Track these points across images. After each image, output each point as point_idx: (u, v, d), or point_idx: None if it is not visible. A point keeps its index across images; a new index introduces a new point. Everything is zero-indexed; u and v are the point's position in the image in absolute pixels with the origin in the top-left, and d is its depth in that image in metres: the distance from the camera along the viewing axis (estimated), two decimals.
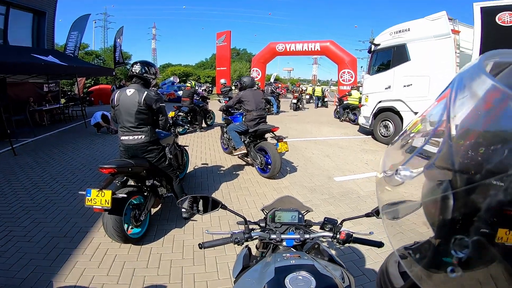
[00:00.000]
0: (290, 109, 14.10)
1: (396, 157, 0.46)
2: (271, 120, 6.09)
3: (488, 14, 5.12)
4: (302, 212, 1.31)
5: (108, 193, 2.34)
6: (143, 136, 2.77)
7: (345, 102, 11.17)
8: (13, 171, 4.88)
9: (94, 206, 2.35)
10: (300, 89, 15.71)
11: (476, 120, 0.32)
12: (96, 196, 2.35)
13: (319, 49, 17.84)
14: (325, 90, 18.62)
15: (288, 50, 18.49)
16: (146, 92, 2.70)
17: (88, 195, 2.36)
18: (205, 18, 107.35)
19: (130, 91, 2.71)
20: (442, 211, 0.31)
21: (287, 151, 4.49)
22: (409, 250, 0.39)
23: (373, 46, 7.62)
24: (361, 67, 21.43)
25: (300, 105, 14.39)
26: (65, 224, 3.13)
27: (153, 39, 55.32)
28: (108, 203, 2.33)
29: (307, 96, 18.00)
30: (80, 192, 2.53)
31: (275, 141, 4.39)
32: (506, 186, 0.25)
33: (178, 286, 2.24)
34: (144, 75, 2.79)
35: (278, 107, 13.01)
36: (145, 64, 2.83)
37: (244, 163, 5.18)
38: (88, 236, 2.91)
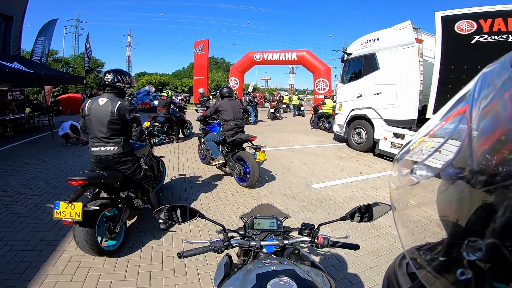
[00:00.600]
0: (268, 118, 14.30)
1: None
2: (249, 129, 6.13)
3: (448, 23, 5.26)
4: (281, 218, 1.34)
5: (78, 206, 2.24)
6: (116, 147, 2.66)
7: (319, 111, 11.52)
8: None
9: (63, 219, 2.24)
10: (277, 98, 16.01)
11: (499, 119, 0.30)
12: (65, 208, 2.24)
13: (295, 59, 18.37)
14: (302, 99, 19.12)
15: (265, 59, 18.85)
16: (119, 102, 2.61)
17: (57, 207, 2.25)
18: (183, 26, 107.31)
19: (102, 100, 2.62)
20: (458, 212, 0.31)
21: (265, 160, 4.54)
22: (420, 251, 0.37)
23: (345, 56, 7.84)
24: (335, 76, 22.35)
25: (278, 115, 14.63)
26: (32, 237, 2.94)
27: (128, 47, 54.09)
28: (79, 216, 2.23)
29: (284, 105, 18.38)
30: (47, 205, 2.40)
31: (253, 151, 4.42)
32: None
33: None
34: (117, 84, 2.71)
35: (256, 116, 13.15)
36: (118, 73, 2.76)
37: (222, 173, 5.15)
38: (58, 249, 2.75)
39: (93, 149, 2.67)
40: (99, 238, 2.51)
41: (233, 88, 17.10)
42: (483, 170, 0.29)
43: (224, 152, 4.63)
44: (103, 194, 2.85)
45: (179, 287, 2.29)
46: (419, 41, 6.10)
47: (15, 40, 11.25)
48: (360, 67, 7.44)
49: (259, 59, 18.91)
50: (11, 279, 2.28)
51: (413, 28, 6.13)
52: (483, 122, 0.32)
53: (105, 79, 2.70)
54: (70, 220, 2.24)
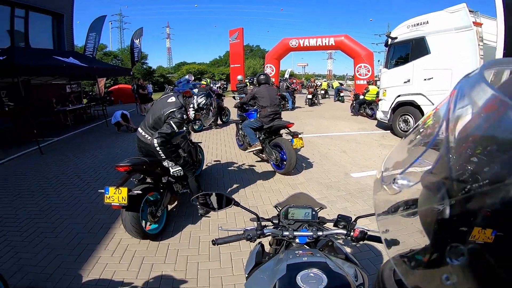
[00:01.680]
0: (306, 104, 13.93)
1: (399, 160, 0.46)
2: (286, 116, 6.04)
3: (510, 5, 4.87)
4: (316, 209, 1.30)
5: (124, 190, 2.42)
6: (151, 139, 2.81)
7: (361, 97, 10.90)
8: (40, 169, 5.16)
9: (112, 203, 2.44)
10: (315, 85, 15.47)
11: (475, 130, 0.33)
12: (114, 193, 2.43)
13: (333, 44, 17.46)
14: (342, 84, 18.23)
15: (302, 45, 18.20)
16: (175, 110, 2.78)
17: (107, 193, 2.45)
18: (217, 15, 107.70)
19: (171, 99, 2.86)
20: (439, 219, 0.31)
21: (303, 147, 4.45)
22: (405, 258, 0.38)
23: (389, 40, 7.45)
24: (378, 61, 20.78)
25: (316, 101, 14.17)
26: (89, 220, 3.26)
27: (168, 38, 56.35)
28: (124, 200, 2.41)
29: (322, 91, 17.71)
30: (99, 191, 2.63)
31: (290, 137, 4.36)
32: (502, 195, 0.25)
33: (194, 281, 2.28)
34: (195, 97, 2.98)
35: (293, 102, 12.89)
36: (206, 96, 3.02)
37: (259, 159, 5.18)
38: (110, 232, 3.02)
39: (138, 129, 2.93)
40: (143, 222, 2.68)
41: (270, 75, 16.98)
42: (461, 178, 0.31)
43: (261, 138, 4.64)
44: (148, 180, 3.02)
45: (213, 272, 2.38)
46: (477, 24, 5.63)
47: (68, 36, 12.31)
48: (406, 51, 7.03)
49: (295, 45, 18.33)
50: (69, 261, 2.54)
51: (470, 11, 5.69)
52: (460, 132, 0.34)
53: (197, 100, 2.99)
54: (118, 204, 2.44)
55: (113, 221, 3.22)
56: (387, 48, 7.78)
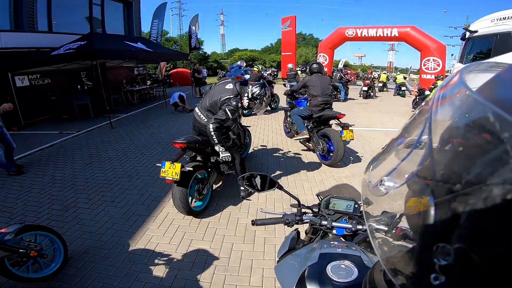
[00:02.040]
0: (360, 96, 13.11)
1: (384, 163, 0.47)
2: (337, 106, 5.82)
3: None
4: (359, 202, 1.25)
5: (178, 166, 2.62)
6: (206, 120, 3.00)
7: (426, 92, 9.84)
8: (110, 142, 5.90)
9: (166, 178, 2.65)
10: (372, 76, 14.38)
11: (456, 131, 0.33)
12: (169, 168, 2.63)
13: (396, 35, 15.86)
14: (405, 78, 16.57)
15: (359, 35, 16.94)
16: (231, 97, 2.90)
17: (163, 167, 2.66)
18: (270, 3, 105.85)
19: (229, 86, 2.98)
20: (424, 220, 0.32)
21: (352, 139, 4.26)
22: (394, 258, 0.39)
23: (467, 33, 6.79)
24: (452, 55, 18.37)
25: (371, 93, 13.22)
26: (144, 193, 3.61)
27: (221, 25, 57.63)
28: (177, 175, 2.61)
29: (380, 84, 16.42)
30: (157, 164, 2.88)
31: (340, 129, 4.21)
32: (485, 195, 0.26)
33: (226, 260, 2.40)
34: (249, 86, 3.05)
35: (346, 94, 12.24)
36: (261, 86, 3.08)
37: (305, 148, 5.13)
38: (160, 205, 3.30)
39: (195, 109, 3.11)
40: (189, 198, 2.88)
41: (323, 64, 16.31)
42: (445, 179, 0.31)
43: (309, 127, 4.58)
44: (198, 158, 3.24)
45: (245, 254, 2.47)
46: None
47: (136, 23, 13.44)
48: (488, 46, 6.38)
49: (352, 35, 17.13)
50: (123, 230, 2.85)
51: None
52: (442, 133, 0.34)
53: (252, 89, 3.04)
54: (171, 179, 2.63)
55: (164, 195, 3.52)
56: (463, 42, 7.09)
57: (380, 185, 0.43)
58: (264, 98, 3.10)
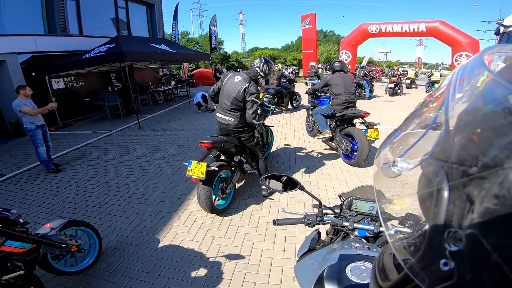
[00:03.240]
0: (386, 94, 12.63)
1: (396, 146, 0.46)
2: (362, 105, 5.67)
3: None
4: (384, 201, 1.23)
5: (204, 165, 2.70)
6: (233, 119, 3.03)
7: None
8: (138, 141, 6.18)
9: (192, 176, 2.73)
10: (398, 73, 13.78)
11: (474, 113, 0.31)
12: (195, 167, 2.72)
13: (424, 30, 15.06)
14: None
15: (383, 31, 16.27)
16: (248, 84, 2.91)
17: (189, 166, 2.75)
18: (288, 0, 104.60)
19: (237, 78, 2.98)
20: (437, 203, 0.31)
21: (378, 138, 4.14)
22: (405, 242, 0.38)
23: (501, 28, 6.40)
24: None
25: (398, 90, 12.68)
26: (170, 190, 3.74)
27: (241, 24, 57.85)
28: (203, 174, 2.68)
29: (408, 81, 15.69)
30: (184, 163, 2.97)
31: (365, 127, 4.11)
32: (501, 179, 0.25)
33: (246, 258, 2.45)
34: (255, 67, 3.05)
35: (371, 91, 11.84)
36: (264, 61, 3.07)
37: (328, 147, 5.06)
38: (185, 203, 3.41)
39: (217, 114, 3.14)
40: (213, 197, 2.94)
41: (346, 61, 15.84)
42: (461, 161, 0.30)
43: (332, 126, 4.51)
44: (222, 157, 3.28)
45: (265, 252, 2.49)
46: None
47: (159, 24, 13.83)
48: None
49: (375, 31, 16.47)
50: (150, 227, 2.97)
51: None
52: (459, 115, 0.33)
53: (253, 62, 3.04)
54: (197, 177, 2.71)
55: (188, 193, 3.63)
56: (498, 37, 6.66)
57: (393, 166, 0.42)
58: (272, 67, 3.16)
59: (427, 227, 0.34)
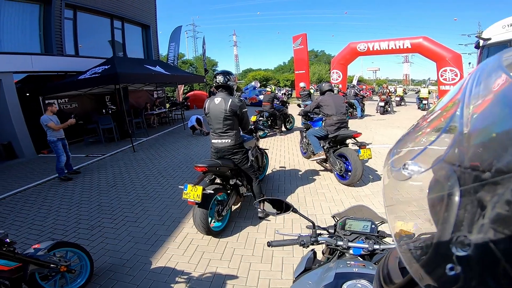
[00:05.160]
0: (377, 112, 12.97)
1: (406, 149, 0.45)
2: (354, 124, 5.80)
3: None
4: (377, 222, 1.25)
5: (199, 189, 2.72)
6: (230, 140, 3.08)
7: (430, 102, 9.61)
8: (132, 165, 6.14)
9: (188, 199, 2.74)
10: (388, 91, 14.24)
11: (490, 117, 0.31)
12: (191, 190, 2.74)
13: (409, 47, 15.74)
14: (432, 93, 16.10)
15: (371, 49, 16.97)
16: (230, 100, 2.99)
17: (185, 189, 2.77)
18: (280, 22, 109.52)
19: (217, 100, 3.04)
20: (448, 208, 0.31)
21: (370, 158, 4.20)
22: (411, 247, 0.38)
23: (481, 41, 6.67)
24: (469, 63, 17.86)
25: (389, 108, 13.05)
26: (164, 213, 3.71)
27: (235, 46, 59.51)
28: (199, 198, 2.70)
29: (397, 98, 16.18)
30: (179, 186, 2.98)
31: (357, 147, 4.19)
32: None
33: (243, 280, 2.41)
34: (228, 83, 3.09)
35: (363, 110, 12.14)
36: (226, 73, 3.13)
37: (322, 168, 5.11)
38: (180, 226, 3.38)
39: (213, 141, 3.17)
40: (209, 219, 2.94)
41: (336, 81, 16.32)
42: (473, 166, 0.29)
43: (325, 147, 4.58)
44: (217, 180, 3.31)
45: (263, 274, 2.47)
46: None
47: (154, 46, 13.99)
48: None
49: (363, 49, 17.18)
50: (144, 249, 2.94)
51: None
52: (474, 119, 0.32)
53: (217, 81, 3.09)
54: (193, 200, 2.73)
55: (183, 216, 3.60)
56: (478, 50, 6.90)
57: (403, 169, 0.41)
58: (230, 72, 3.21)
59: (435, 231, 0.33)
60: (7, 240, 1.87)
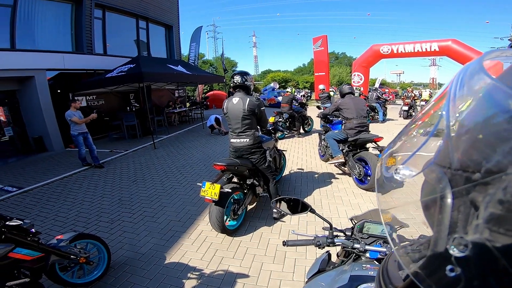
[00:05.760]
0: (400, 117, 12.52)
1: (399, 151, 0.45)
2: (376, 128, 5.64)
3: None
4: (396, 227, 1.22)
5: (217, 187, 2.76)
6: (248, 140, 3.10)
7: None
8: (153, 162, 6.33)
9: (205, 197, 2.79)
10: (413, 95, 13.71)
11: (475, 119, 0.32)
12: (208, 188, 2.78)
13: (437, 49, 15.07)
14: None
15: (395, 52, 16.40)
16: (248, 99, 3.02)
17: (203, 186, 2.82)
18: (300, 23, 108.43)
19: (235, 100, 3.07)
20: (441, 210, 0.31)
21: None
22: (409, 249, 0.38)
23: None
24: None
25: (413, 113, 12.51)
26: (181, 210, 3.79)
27: (254, 47, 59.72)
28: (216, 195, 2.74)
29: (423, 103, 15.51)
30: (198, 184, 3.04)
31: (378, 152, 4.07)
32: (505, 185, 0.25)
33: (254, 279, 2.41)
34: (245, 83, 3.12)
35: (385, 114, 11.75)
36: (243, 74, 3.16)
37: (340, 171, 5.01)
38: (195, 223, 3.44)
39: (232, 140, 3.20)
40: (225, 217, 2.97)
41: (358, 83, 15.92)
42: (464, 167, 0.30)
43: (344, 151, 4.49)
44: (235, 179, 3.34)
45: (274, 274, 2.46)
46: None
47: (176, 46, 14.32)
48: None
49: (387, 52, 16.61)
50: (159, 244, 3.01)
51: None
52: (461, 121, 0.33)
53: (234, 81, 3.12)
54: (210, 198, 2.77)
55: (199, 214, 3.65)
56: None
57: (395, 173, 0.42)
58: (247, 72, 3.22)
59: (431, 234, 0.34)
60: (33, 230, 1.90)
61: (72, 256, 2.11)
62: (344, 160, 4.44)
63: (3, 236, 1.70)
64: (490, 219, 0.27)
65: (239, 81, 3.10)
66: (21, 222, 1.83)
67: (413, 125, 0.46)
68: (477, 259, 0.28)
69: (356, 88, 12.41)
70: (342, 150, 4.49)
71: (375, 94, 12.58)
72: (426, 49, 15.48)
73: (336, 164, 4.67)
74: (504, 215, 0.26)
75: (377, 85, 23.28)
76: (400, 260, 0.38)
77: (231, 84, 3.19)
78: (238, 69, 39.09)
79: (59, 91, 8.42)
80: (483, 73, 0.33)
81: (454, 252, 0.29)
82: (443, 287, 0.30)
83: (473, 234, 0.28)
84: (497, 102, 0.31)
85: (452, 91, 0.36)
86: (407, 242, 0.42)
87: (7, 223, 1.76)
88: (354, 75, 18.06)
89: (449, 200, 0.31)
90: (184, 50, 17.12)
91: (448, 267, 0.29)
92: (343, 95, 4.64)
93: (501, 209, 0.26)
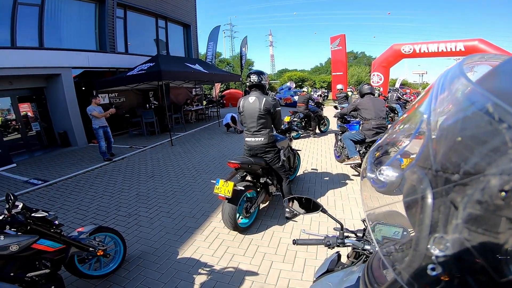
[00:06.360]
0: None
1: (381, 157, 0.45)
2: None
3: None
4: (409, 230, 1.19)
5: (231, 184, 2.79)
6: (263, 139, 3.11)
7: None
8: (170, 158, 6.48)
9: (219, 194, 2.83)
10: None
11: (455, 122, 0.32)
12: (222, 185, 2.82)
13: (462, 49, 14.28)
14: None
15: (417, 51, 15.69)
16: (264, 99, 3.02)
17: (217, 184, 2.87)
18: (317, 22, 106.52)
19: (251, 99, 3.09)
20: (422, 210, 0.32)
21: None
22: (393, 248, 0.40)
23: None
24: None
25: None
26: (195, 207, 3.86)
27: (270, 46, 59.38)
28: (229, 193, 2.77)
29: None
30: (212, 181, 3.09)
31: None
32: (482, 186, 0.25)
33: (263, 277, 2.42)
34: (262, 82, 3.13)
35: None
36: (259, 73, 3.16)
37: (356, 173, 4.91)
38: (208, 219, 3.49)
39: (246, 139, 3.23)
40: (237, 215, 3.00)
41: (377, 84, 15.48)
42: (443, 169, 0.30)
43: (361, 152, 4.40)
44: (248, 178, 3.36)
45: (283, 273, 2.46)
46: None
47: (194, 45, 14.52)
48: None
49: (409, 51, 15.93)
50: (173, 240, 3.09)
51: None
52: (441, 124, 0.34)
53: (251, 80, 3.13)
54: (223, 196, 2.81)
55: (213, 210, 3.71)
56: None
57: (379, 174, 0.43)
58: (263, 72, 3.22)
59: (413, 234, 0.34)
60: (56, 222, 1.96)
61: (91, 249, 2.16)
62: (360, 161, 4.35)
63: (29, 227, 1.77)
64: (469, 219, 0.28)
65: (255, 80, 3.11)
66: (46, 214, 1.91)
67: (396, 128, 0.47)
68: (457, 258, 0.28)
69: (376, 88, 12.09)
70: (358, 151, 4.40)
71: (395, 94, 12.19)
72: (450, 48, 14.78)
73: (352, 165, 4.58)
74: (482, 215, 0.27)
75: (397, 85, 22.55)
76: (383, 259, 0.39)
77: (247, 84, 3.20)
78: (255, 68, 39.17)
79: (83, 88, 8.80)
80: (463, 77, 0.34)
81: (435, 251, 0.30)
82: (425, 285, 0.31)
83: (452, 233, 0.29)
84: (476, 105, 0.31)
85: (434, 94, 0.37)
86: (391, 242, 0.44)
87: (33, 214, 1.84)
88: (374, 75, 17.56)
89: (429, 200, 0.31)
90: (201, 49, 17.37)
91: (430, 266, 0.30)
92: (362, 95, 4.54)
93: (479, 209, 0.27)
